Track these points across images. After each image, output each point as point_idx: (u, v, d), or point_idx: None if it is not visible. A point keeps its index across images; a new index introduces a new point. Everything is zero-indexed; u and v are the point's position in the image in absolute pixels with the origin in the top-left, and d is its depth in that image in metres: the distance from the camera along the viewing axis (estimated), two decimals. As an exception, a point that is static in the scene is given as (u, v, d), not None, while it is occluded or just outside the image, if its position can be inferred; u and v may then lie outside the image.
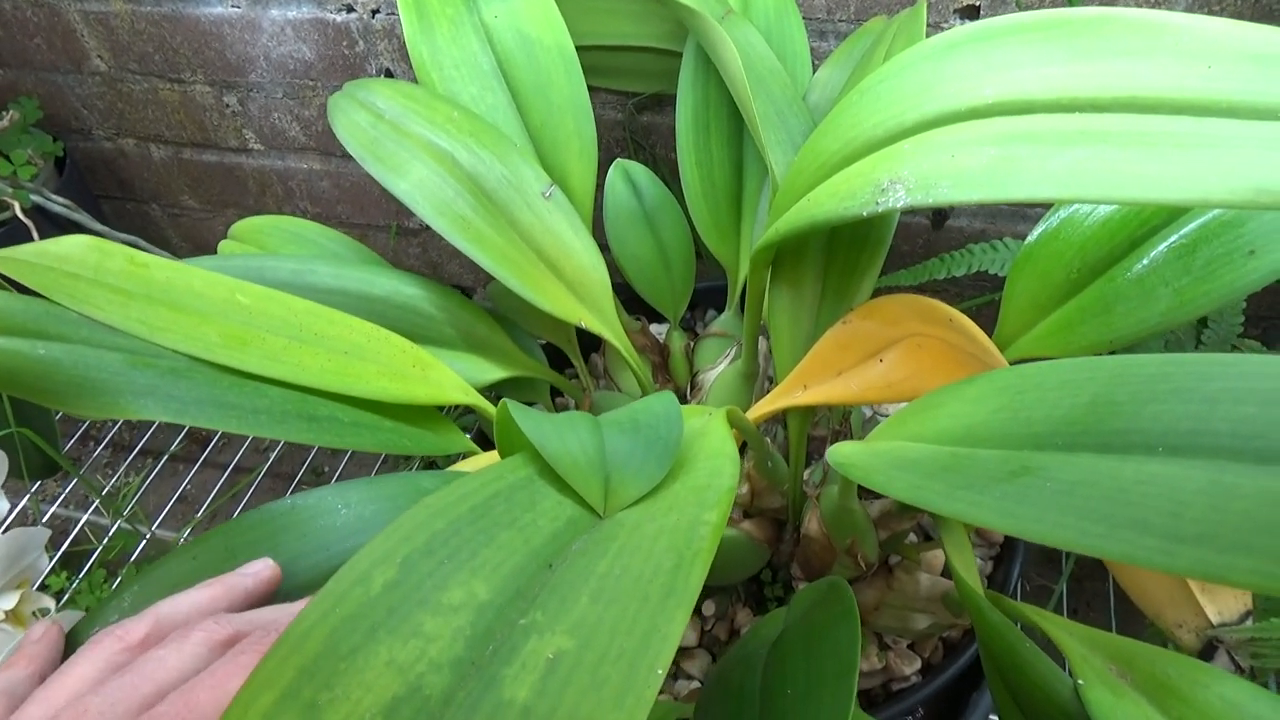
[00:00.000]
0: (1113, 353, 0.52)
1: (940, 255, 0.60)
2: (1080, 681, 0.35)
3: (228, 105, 0.88)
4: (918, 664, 0.52)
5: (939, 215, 0.64)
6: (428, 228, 0.95)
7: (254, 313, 0.46)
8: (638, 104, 0.74)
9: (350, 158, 0.90)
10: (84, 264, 0.43)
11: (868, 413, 0.64)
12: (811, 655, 0.32)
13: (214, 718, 0.25)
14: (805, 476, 0.55)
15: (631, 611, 0.24)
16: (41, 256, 0.42)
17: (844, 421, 0.55)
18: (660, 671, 0.22)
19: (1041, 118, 0.36)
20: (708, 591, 0.53)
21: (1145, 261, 0.45)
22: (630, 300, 0.66)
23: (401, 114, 0.57)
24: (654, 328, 0.67)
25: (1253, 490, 0.21)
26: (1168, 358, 0.29)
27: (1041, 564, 0.80)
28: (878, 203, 0.38)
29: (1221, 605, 0.48)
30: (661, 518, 0.30)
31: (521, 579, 0.26)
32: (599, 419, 0.35)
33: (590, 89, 0.65)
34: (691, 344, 0.64)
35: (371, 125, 0.57)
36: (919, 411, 0.37)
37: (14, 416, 0.59)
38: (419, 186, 0.54)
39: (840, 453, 0.36)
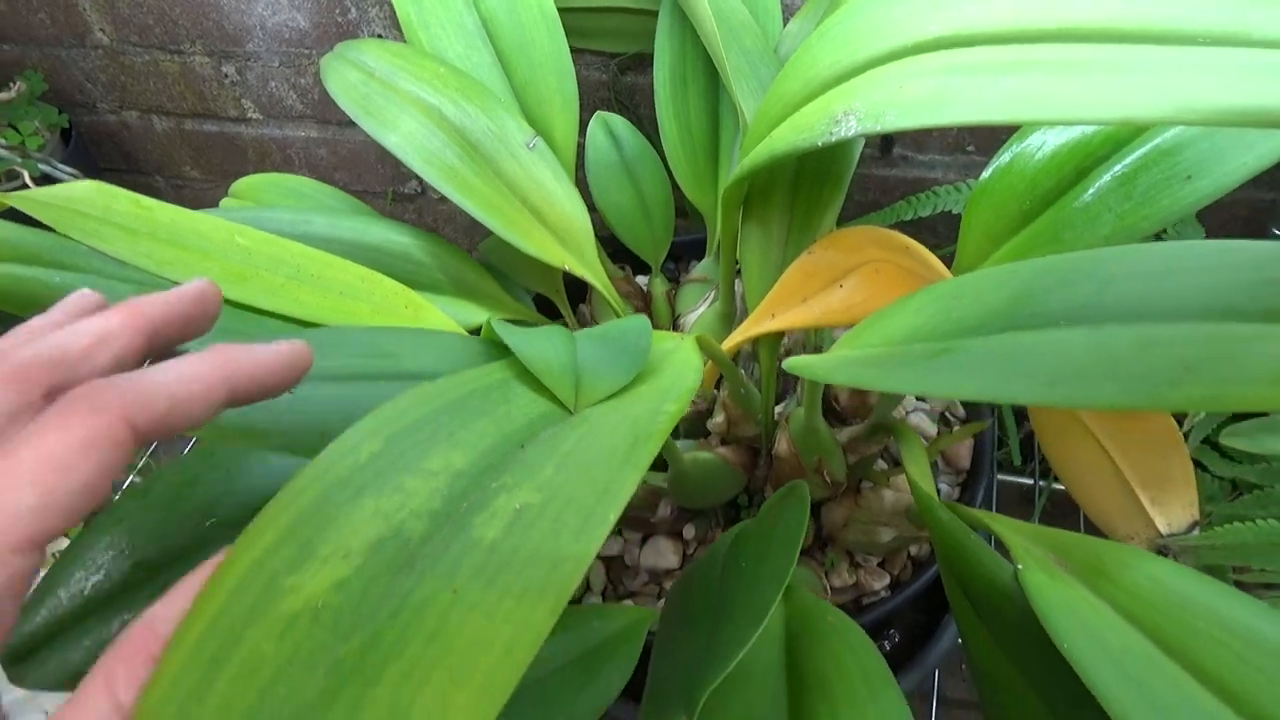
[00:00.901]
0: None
1: (907, 198, 0.62)
2: (1020, 567, 0.38)
3: (226, 75, 0.91)
4: (886, 580, 0.55)
5: (886, 143, 0.67)
6: (423, 192, 0.98)
7: (253, 253, 0.49)
8: (621, 65, 0.77)
9: (346, 125, 0.93)
10: (93, 205, 0.46)
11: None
12: (764, 533, 0.35)
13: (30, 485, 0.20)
14: (780, 410, 0.58)
15: (590, 476, 0.27)
16: (53, 198, 0.45)
17: (815, 351, 0.58)
18: (612, 517, 0.25)
19: (982, 50, 0.38)
20: (688, 516, 0.56)
21: (1091, 191, 0.48)
22: (615, 253, 0.69)
23: (391, 71, 0.60)
24: (639, 279, 0.70)
25: (1124, 340, 0.24)
26: (1081, 254, 0.32)
27: (1015, 503, 0.83)
28: (832, 132, 0.41)
29: (1170, 516, 0.51)
30: (625, 409, 0.33)
31: (495, 455, 0.29)
32: (574, 334, 0.38)
33: (575, 51, 0.67)
34: (673, 290, 0.67)
35: (363, 83, 0.60)
36: (869, 325, 0.40)
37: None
38: (408, 139, 0.57)
39: (797, 361, 0.39)
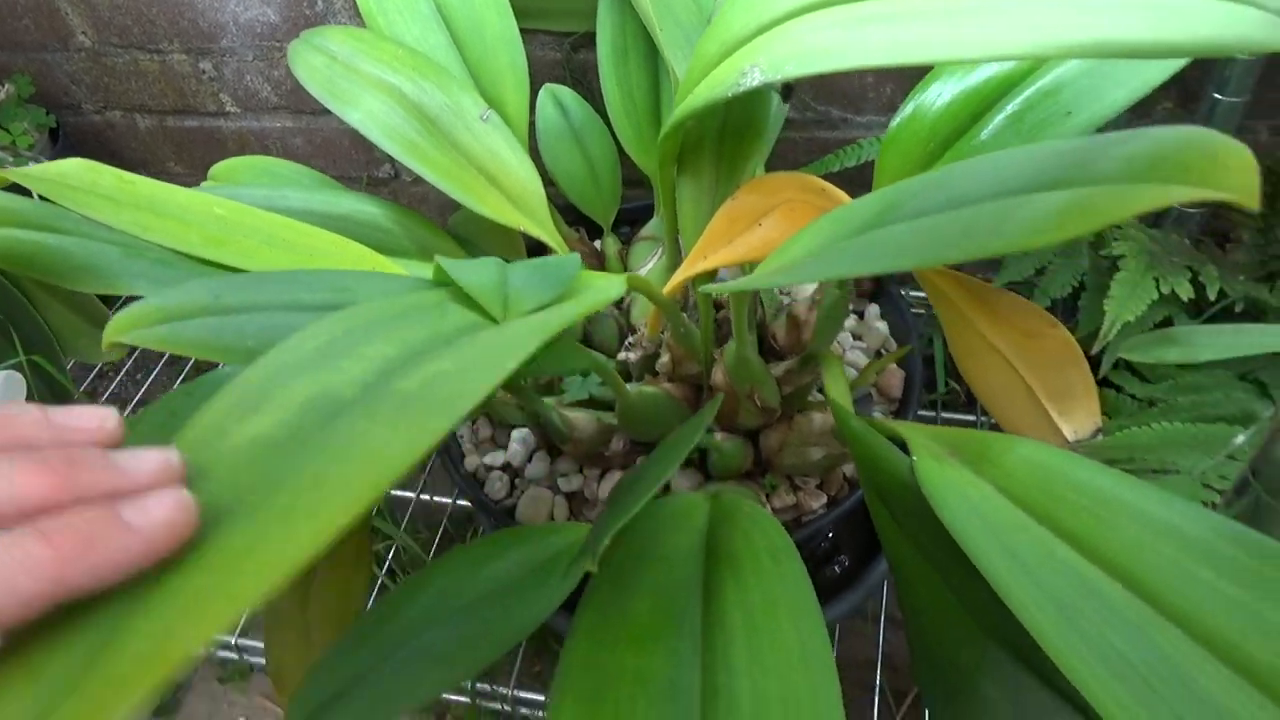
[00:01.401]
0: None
1: (835, 151, 0.67)
2: (914, 459, 0.43)
3: (204, 72, 0.96)
4: (824, 499, 0.60)
5: (786, 89, 0.72)
6: (397, 176, 1.02)
7: (229, 222, 0.54)
8: (573, 43, 0.82)
9: (320, 113, 0.97)
10: (80, 179, 0.50)
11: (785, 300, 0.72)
12: (668, 444, 0.40)
13: None
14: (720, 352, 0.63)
15: (497, 353, 0.32)
16: (46, 173, 0.50)
17: (754, 298, 0.63)
18: (511, 365, 0.30)
19: (871, 4, 0.43)
20: (640, 450, 0.61)
21: (986, 131, 0.53)
22: (572, 221, 0.74)
23: (352, 55, 0.65)
24: (597, 243, 0.75)
25: (937, 222, 0.29)
26: (933, 173, 0.37)
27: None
28: (739, 84, 0.45)
29: (1076, 425, 0.56)
30: (541, 318, 0.37)
31: (424, 347, 0.34)
32: (509, 264, 0.43)
33: (529, 31, 0.72)
34: (625, 250, 0.72)
35: (326, 66, 0.64)
36: (780, 251, 0.45)
37: (21, 346, 0.67)
38: (370, 116, 0.62)
39: (711, 285, 0.44)
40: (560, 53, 0.83)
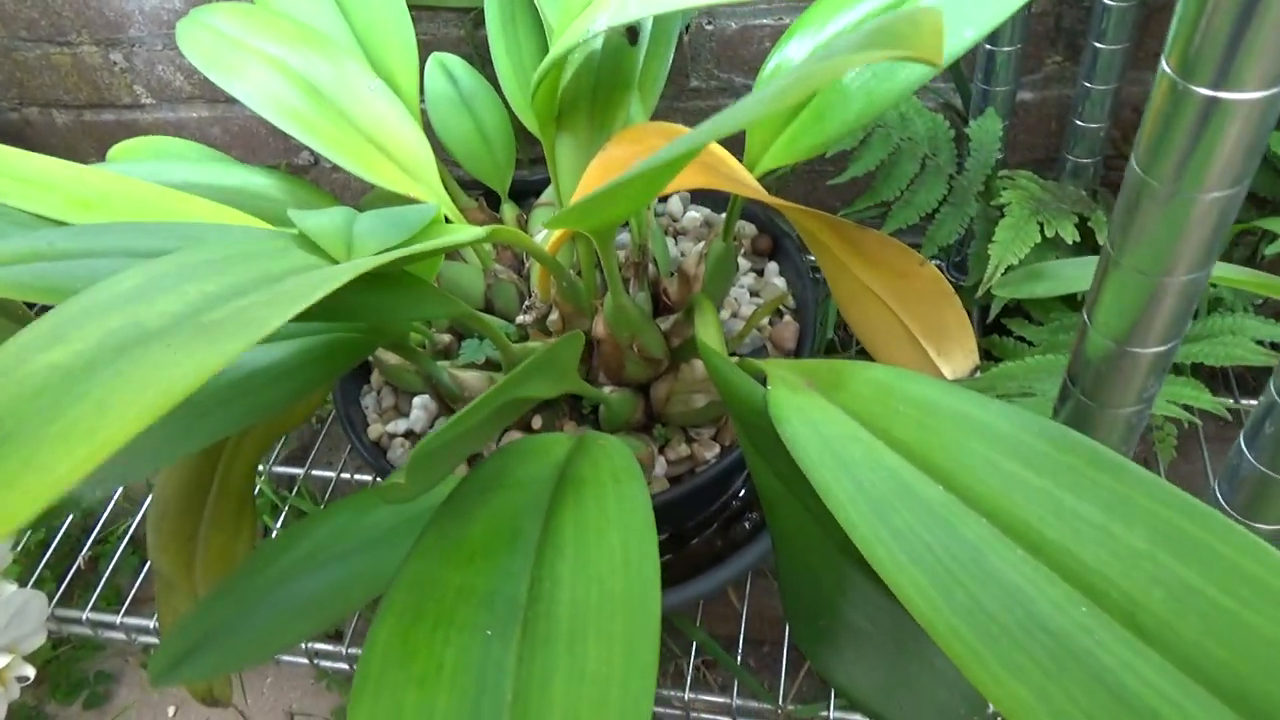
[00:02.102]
0: (825, 155, 0.61)
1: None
2: (768, 388, 0.44)
3: (115, 63, 0.95)
4: (717, 449, 0.61)
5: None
6: (316, 163, 1.03)
7: (101, 190, 0.54)
8: (475, 19, 0.82)
9: (234, 101, 0.97)
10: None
11: (673, 250, 0.72)
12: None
13: None
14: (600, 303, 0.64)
15: (309, 286, 0.32)
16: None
17: (641, 252, 0.64)
18: (317, 295, 0.31)
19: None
20: (535, 410, 0.62)
21: (848, 76, 0.54)
22: (475, 193, 0.74)
23: (240, 30, 0.65)
24: (498, 214, 0.75)
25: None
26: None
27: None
28: (589, 30, 0.47)
29: (954, 364, 0.57)
30: (380, 259, 0.38)
31: (250, 285, 0.34)
32: (358, 212, 0.44)
33: (431, 9, 0.72)
34: (524, 216, 0.72)
35: (213, 41, 0.65)
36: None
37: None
38: (256, 87, 0.62)
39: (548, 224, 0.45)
40: (463, 29, 0.83)
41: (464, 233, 0.43)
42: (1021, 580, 0.29)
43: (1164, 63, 0.26)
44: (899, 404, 0.39)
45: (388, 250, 0.40)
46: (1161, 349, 0.33)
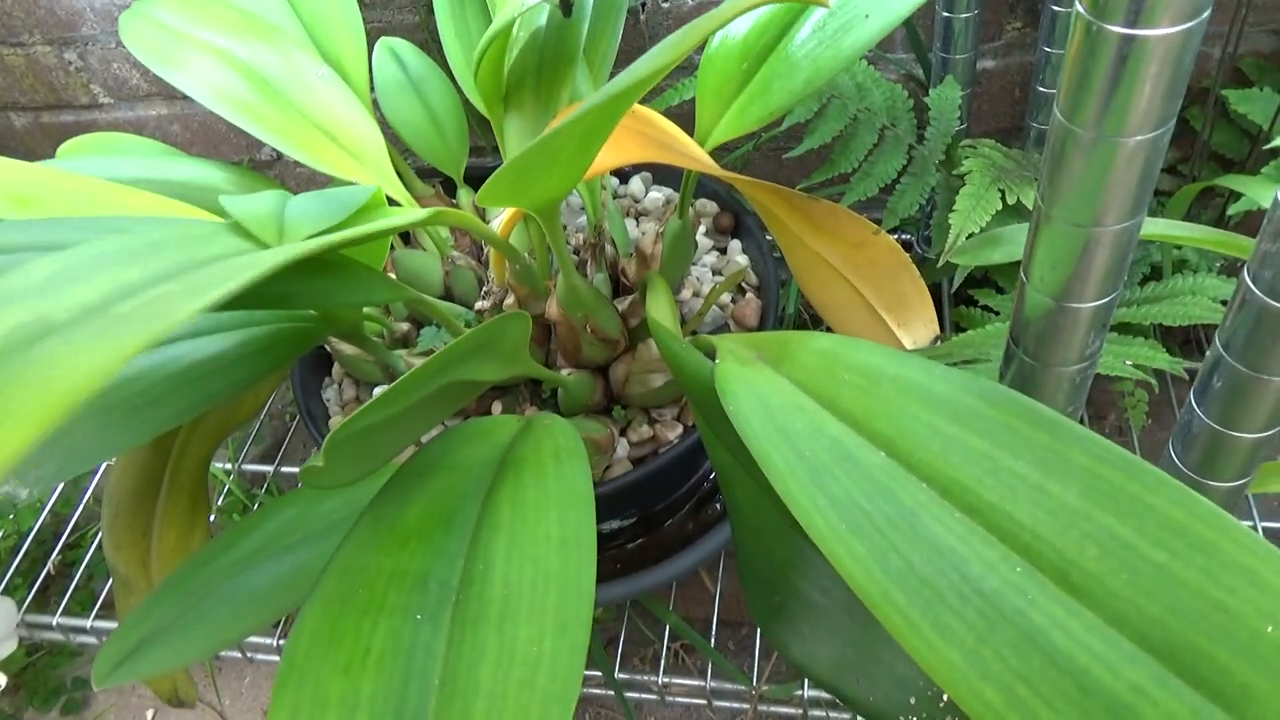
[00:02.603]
0: (781, 129, 0.60)
1: (674, 85, 0.68)
2: (716, 361, 0.43)
3: (70, 63, 0.94)
4: (680, 430, 0.60)
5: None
6: (279, 158, 1.01)
7: (41, 185, 0.53)
8: (427, 5, 0.81)
9: (192, 99, 0.96)
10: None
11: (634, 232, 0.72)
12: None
13: None
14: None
15: (229, 273, 0.32)
16: None
17: (597, 232, 0.63)
18: (232, 286, 0.30)
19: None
20: (496, 394, 0.61)
21: (796, 43, 0.53)
22: (440, 183, 0.73)
23: (182, 21, 0.64)
24: (455, 201, 0.74)
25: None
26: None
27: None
28: (524, 3, 0.46)
29: (915, 335, 0.57)
30: (310, 242, 0.37)
31: (172, 272, 0.33)
32: (291, 195, 0.43)
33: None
34: (482, 201, 0.71)
35: (155, 34, 0.64)
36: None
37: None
38: (200, 78, 0.61)
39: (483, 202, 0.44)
40: (416, 15, 0.82)
41: (404, 215, 0.42)
42: (957, 543, 0.29)
43: (1077, 4, 0.26)
44: (844, 372, 0.39)
45: (322, 233, 0.39)
46: (1099, 303, 0.32)
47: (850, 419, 0.36)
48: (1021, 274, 0.34)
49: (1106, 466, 0.28)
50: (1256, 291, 0.31)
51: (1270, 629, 0.22)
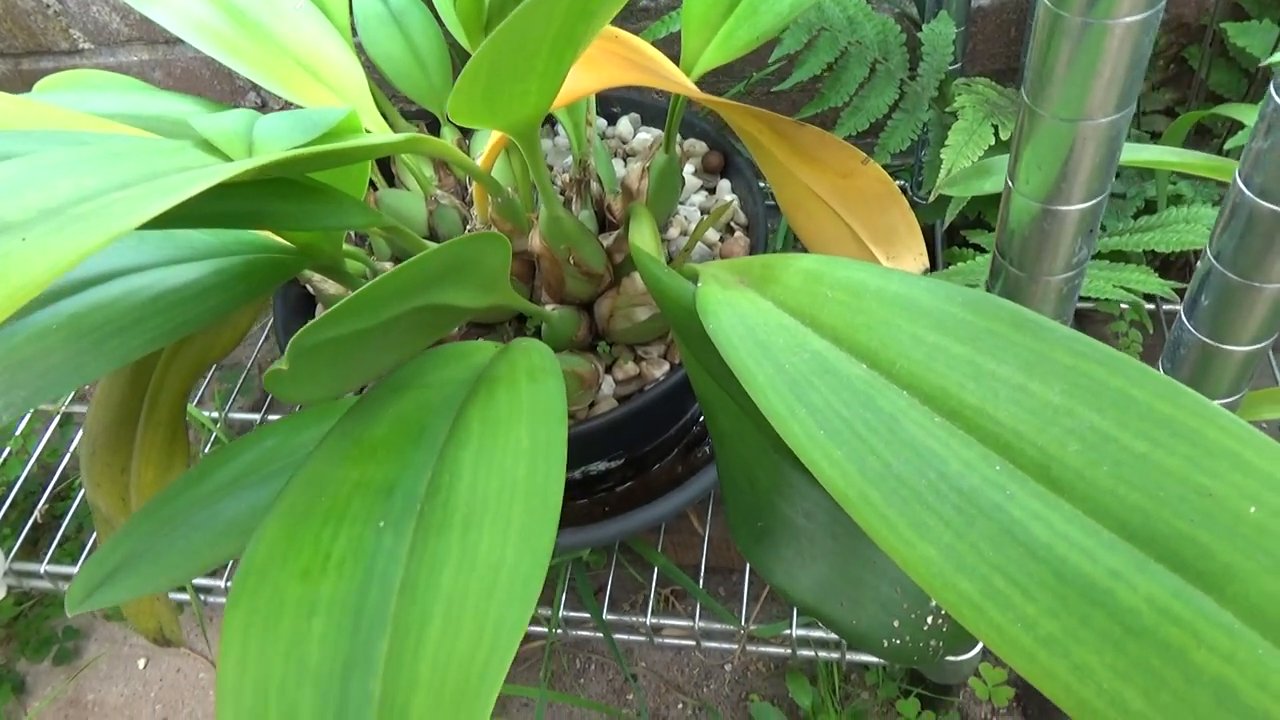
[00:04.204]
0: (767, 58, 0.59)
1: (660, 18, 0.66)
2: (698, 285, 0.42)
3: (49, 6, 0.92)
4: (666, 368, 0.59)
5: None
6: (265, 105, 1.00)
7: (10, 114, 0.52)
8: (413, -59, 0.79)
9: (173, 42, 0.95)
10: None
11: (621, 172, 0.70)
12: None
13: None
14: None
15: (190, 180, 0.31)
16: None
17: (582, 168, 0.62)
18: (179, 197, 0.29)
19: None
20: (480, 331, 0.60)
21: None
22: (415, 118, 0.72)
23: (157, -47, 0.62)
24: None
25: None
26: None
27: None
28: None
29: (904, 267, 0.56)
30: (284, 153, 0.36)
31: (131, 180, 0.32)
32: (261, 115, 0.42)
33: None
34: (466, 141, 0.70)
35: (130, -35, 0.62)
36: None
37: None
38: (175, 11, 0.60)
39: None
40: (400, -48, 0.80)
41: (377, 137, 0.41)
42: (936, 444, 0.28)
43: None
44: (828, 289, 0.38)
45: (291, 150, 0.38)
46: (1086, 205, 0.31)
47: (832, 334, 0.36)
48: (1007, 179, 0.33)
49: (1090, 363, 0.27)
50: (1248, 193, 0.30)
51: (1254, 509, 0.21)
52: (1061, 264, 0.33)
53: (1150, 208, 0.63)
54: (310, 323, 0.30)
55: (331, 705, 0.24)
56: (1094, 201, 0.31)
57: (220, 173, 0.32)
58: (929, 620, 0.40)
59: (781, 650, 0.66)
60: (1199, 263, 0.34)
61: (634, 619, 0.69)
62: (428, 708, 0.23)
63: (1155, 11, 0.25)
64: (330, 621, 0.26)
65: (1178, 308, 0.73)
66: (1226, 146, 0.64)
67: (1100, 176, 0.30)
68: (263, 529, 0.29)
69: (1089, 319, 0.79)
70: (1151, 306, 0.74)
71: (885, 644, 0.40)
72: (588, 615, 0.70)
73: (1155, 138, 0.76)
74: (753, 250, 0.65)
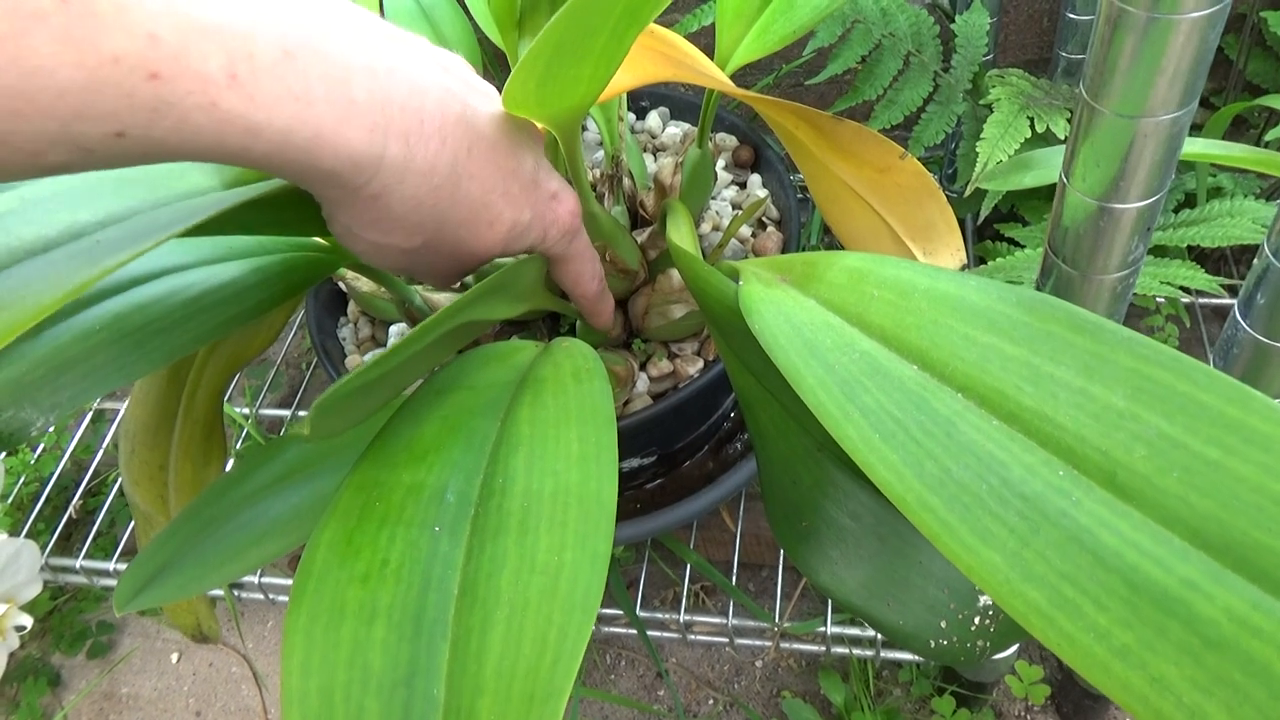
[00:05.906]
0: (802, 54, 0.58)
1: (692, 11, 0.66)
2: (740, 283, 0.42)
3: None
4: (700, 364, 0.59)
5: None
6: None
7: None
8: (441, -64, 0.79)
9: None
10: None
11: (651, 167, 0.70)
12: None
13: None
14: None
15: (188, 210, 0.31)
16: None
17: (614, 164, 0.62)
18: (175, 231, 0.29)
19: None
20: (513, 329, 0.60)
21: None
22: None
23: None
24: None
25: None
26: None
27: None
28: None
29: (942, 263, 0.56)
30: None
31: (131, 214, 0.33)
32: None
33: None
34: (497, 136, 0.70)
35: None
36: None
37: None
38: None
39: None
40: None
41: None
42: (995, 448, 0.28)
43: None
44: (874, 288, 0.38)
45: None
46: (1143, 203, 0.30)
47: (880, 334, 0.35)
48: (1061, 176, 0.33)
49: (1154, 366, 0.26)
50: (1311, 190, 0.30)
51: (1335, 519, 0.21)
52: (1116, 262, 0.33)
53: (1190, 201, 0.62)
54: (334, 387, 0.30)
55: (397, 710, 0.24)
56: (1152, 199, 0.30)
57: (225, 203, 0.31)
58: (976, 621, 0.39)
59: (814, 647, 0.66)
60: (1255, 260, 0.34)
61: (666, 615, 0.69)
62: (494, 713, 0.23)
63: (1223, 6, 0.25)
64: (391, 627, 0.26)
65: (1213, 301, 0.72)
66: (1267, 138, 0.63)
67: (1160, 174, 0.29)
68: (319, 534, 0.30)
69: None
70: (1187, 300, 0.73)
71: (932, 644, 0.39)
72: (619, 611, 0.70)
73: (1193, 130, 0.75)
74: (785, 245, 0.64)
